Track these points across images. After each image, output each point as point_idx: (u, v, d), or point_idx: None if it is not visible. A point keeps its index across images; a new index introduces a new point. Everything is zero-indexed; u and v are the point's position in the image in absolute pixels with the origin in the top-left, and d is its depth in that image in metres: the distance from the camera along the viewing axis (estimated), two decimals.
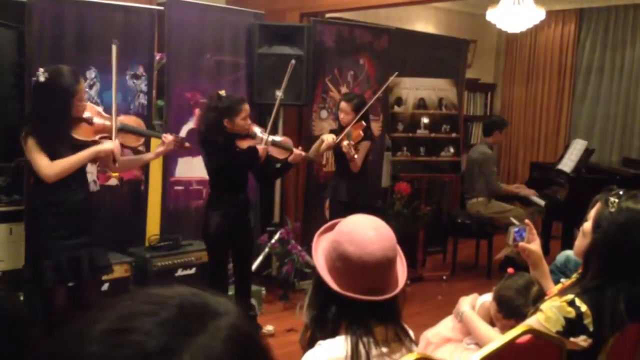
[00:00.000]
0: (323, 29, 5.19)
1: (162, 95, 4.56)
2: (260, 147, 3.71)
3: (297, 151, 3.89)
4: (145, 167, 4.40)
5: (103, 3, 4.24)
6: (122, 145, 3.36)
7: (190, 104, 4.65)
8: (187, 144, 3.65)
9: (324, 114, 5.28)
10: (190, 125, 4.60)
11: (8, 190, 4.09)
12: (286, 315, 4.41)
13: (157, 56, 4.48)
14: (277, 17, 5.17)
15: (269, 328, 4.12)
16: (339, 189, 4.48)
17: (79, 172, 3.23)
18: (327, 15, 5.48)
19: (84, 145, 3.18)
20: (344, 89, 5.31)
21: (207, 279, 3.93)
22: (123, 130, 3.35)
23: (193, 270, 4.21)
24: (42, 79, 3.05)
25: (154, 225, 4.49)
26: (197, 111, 4.61)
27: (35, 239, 3.26)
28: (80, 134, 3.19)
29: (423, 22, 6.99)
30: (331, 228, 1.62)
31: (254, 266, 4.58)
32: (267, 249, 4.85)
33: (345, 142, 4.23)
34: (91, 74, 4.10)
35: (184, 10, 4.62)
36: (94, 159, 3.32)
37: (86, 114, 3.22)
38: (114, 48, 3.27)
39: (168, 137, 3.51)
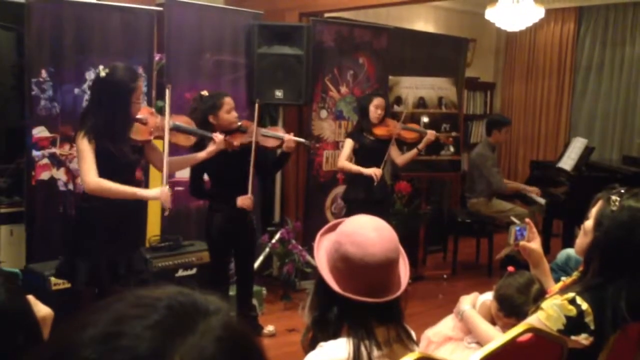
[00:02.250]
0: (322, 29, 5.19)
1: (162, 96, 4.55)
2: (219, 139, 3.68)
3: (288, 136, 3.87)
4: (145, 168, 4.39)
5: (102, 4, 4.24)
6: (175, 145, 3.41)
7: (190, 104, 4.64)
8: (235, 143, 3.66)
9: (323, 113, 5.28)
10: None
11: (8, 191, 4.09)
12: (287, 315, 4.41)
13: (157, 57, 4.48)
14: (276, 17, 5.17)
15: (270, 328, 4.12)
16: (372, 188, 4.44)
17: (132, 177, 3.22)
18: (326, 14, 5.47)
19: (139, 146, 3.20)
20: (343, 89, 5.31)
21: (209, 280, 3.93)
22: (175, 129, 3.36)
23: (194, 271, 4.20)
24: (102, 74, 3.06)
25: (154, 226, 4.49)
26: None
27: (75, 239, 3.21)
28: (135, 134, 3.18)
29: (423, 21, 6.99)
30: (334, 228, 1.62)
31: (255, 266, 4.58)
32: (267, 249, 4.85)
33: (434, 132, 4.59)
34: (90, 75, 4.09)
35: (183, 10, 4.62)
36: (136, 160, 3.26)
37: (140, 115, 3.22)
38: (167, 92, 3.34)
39: (219, 136, 3.50)
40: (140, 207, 3.41)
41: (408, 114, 4.87)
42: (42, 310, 1.25)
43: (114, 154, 3.04)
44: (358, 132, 4.62)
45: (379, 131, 4.50)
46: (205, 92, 3.74)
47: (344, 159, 4.58)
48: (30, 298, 1.26)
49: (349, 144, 4.58)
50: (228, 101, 3.71)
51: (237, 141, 3.73)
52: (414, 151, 4.62)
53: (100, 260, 3.10)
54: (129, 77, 3.08)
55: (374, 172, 4.35)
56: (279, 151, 3.96)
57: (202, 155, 3.51)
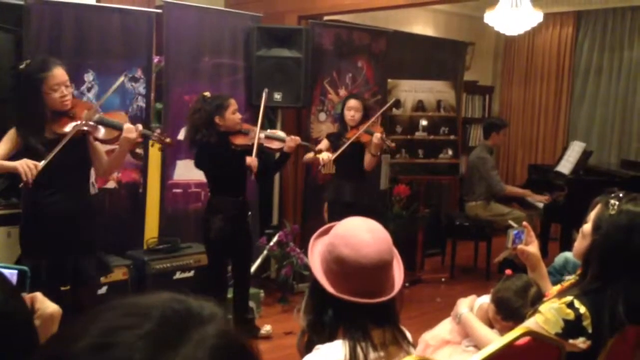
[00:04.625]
0: (321, 32, 5.19)
1: (161, 98, 4.55)
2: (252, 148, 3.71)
3: (290, 137, 3.88)
4: (143, 170, 4.39)
5: (101, 6, 4.25)
6: (101, 141, 3.21)
7: (188, 106, 4.64)
8: (157, 135, 3.35)
9: (322, 116, 5.28)
10: None
11: (6, 193, 4.08)
12: (285, 317, 4.40)
13: (156, 59, 4.48)
14: (275, 19, 5.17)
15: (267, 328, 4.12)
16: (342, 190, 4.43)
17: (71, 179, 3.12)
18: (325, 17, 5.48)
19: (58, 139, 3.03)
20: (342, 92, 5.31)
21: (207, 283, 3.92)
22: (100, 123, 3.18)
23: (191, 273, 4.20)
24: (21, 66, 3.04)
25: (152, 228, 4.48)
26: None
27: (20, 237, 3.21)
28: (60, 127, 3.06)
29: (422, 25, 7.00)
30: (327, 231, 1.62)
31: (253, 269, 4.57)
32: (265, 252, 4.85)
33: (377, 134, 4.23)
34: (89, 77, 4.10)
35: (182, 13, 4.62)
36: (82, 161, 3.18)
37: (77, 109, 3.11)
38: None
39: (129, 126, 3.14)
40: (91, 209, 3.28)
41: (378, 118, 4.62)
42: (49, 307, 1.25)
43: (28, 147, 2.98)
44: (337, 135, 4.57)
45: (350, 134, 4.44)
46: (207, 94, 3.76)
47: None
48: (38, 295, 1.26)
49: (323, 144, 4.51)
50: (233, 102, 3.76)
51: (239, 142, 3.76)
52: (368, 155, 4.35)
53: (40, 260, 3.01)
54: (39, 67, 3.00)
55: (322, 156, 4.20)
56: (277, 154, 3.97)
57: (118, 150, 3.24)
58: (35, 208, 3.08)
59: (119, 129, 3.16)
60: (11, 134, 3.02)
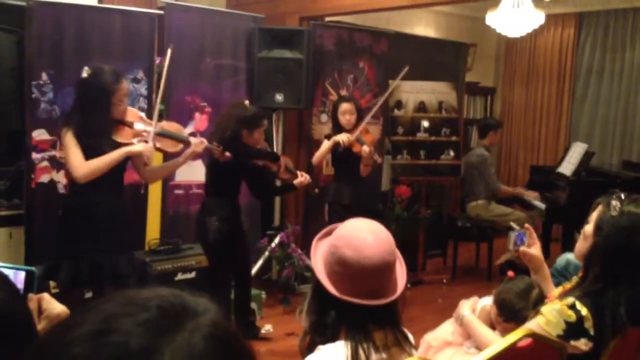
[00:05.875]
0: (323, 33, 5.19)
1: (162, 99, 4.55)
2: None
3: (303, 176, 3.91)
4: None
5: (103, 7, 4.25)
6: (160, 150, 3.39)
7: (190, 107, 4.65)
8: (216, 148, 3.55)
9: (324, 117, 5.28)
10: (190, 129, 4.60)
11: (8, 194, 4.09)
12: (286, 319, 4.40)
13: (157, 60, 4.48)
14: (276, 21, 5.18)
15: (267, 327, 4.12)
16: (340, 192, 4.45)
17: (115, 178, 3.21)
18: (327, 19, 5.48)
19: (120, 147, 3.17)
20: (343, 93, 5.30)
21: (209, 285, 3.91)
22: (161, 135, 3.34)
23: (193, 274, 4.19)
24: (84, 74, 3.12)
25: (154, 229, 4.48)
26: (197, 115, 4.63)
27: (58, 239, 3.23)
28: (119, 136, 3.19)
29: (423, 26, 7.00)
30: (330, 232, 1.62)
31: (254, 270, 4.57)
32: (267, 253, 4.85)
33: (366, 148, 4.28)
34: None
35: (184, 14, 4.62)
36: (124, 160, 3.24)
37: (128, 118, 3.24)
38: (169, 52, 3.52)
39: (195, 141, 3.46)
40: (124, 208, 3.38)
41: (380, 120, 4.67)
42: (56, 307, 1.26)
43: (97, 153, 3.07)
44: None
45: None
46: (247, 102, 3.82)
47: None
48: (45, 296, 1.27)
49: (326, 144, 4.49)
50: (265, 124, 3.80)
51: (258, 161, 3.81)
52: (362, 165, 4.40)
53: (82, 261, 3.09)
54: (111, 80, 3.10)
55: (341, 137, 4.28)
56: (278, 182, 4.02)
57: (180, 160, 3.46)
58: (82, 209, 3.12)
59: (186, 142, 3.41)
60: (71, 136, 3.06)
